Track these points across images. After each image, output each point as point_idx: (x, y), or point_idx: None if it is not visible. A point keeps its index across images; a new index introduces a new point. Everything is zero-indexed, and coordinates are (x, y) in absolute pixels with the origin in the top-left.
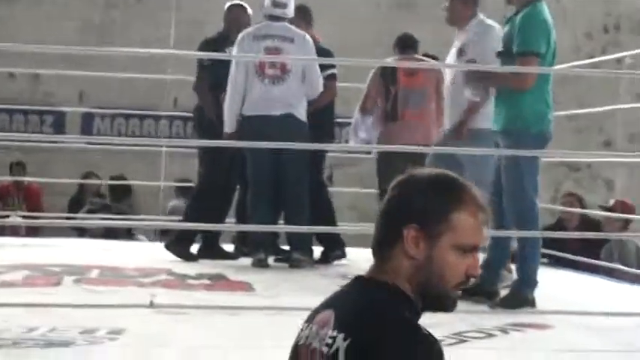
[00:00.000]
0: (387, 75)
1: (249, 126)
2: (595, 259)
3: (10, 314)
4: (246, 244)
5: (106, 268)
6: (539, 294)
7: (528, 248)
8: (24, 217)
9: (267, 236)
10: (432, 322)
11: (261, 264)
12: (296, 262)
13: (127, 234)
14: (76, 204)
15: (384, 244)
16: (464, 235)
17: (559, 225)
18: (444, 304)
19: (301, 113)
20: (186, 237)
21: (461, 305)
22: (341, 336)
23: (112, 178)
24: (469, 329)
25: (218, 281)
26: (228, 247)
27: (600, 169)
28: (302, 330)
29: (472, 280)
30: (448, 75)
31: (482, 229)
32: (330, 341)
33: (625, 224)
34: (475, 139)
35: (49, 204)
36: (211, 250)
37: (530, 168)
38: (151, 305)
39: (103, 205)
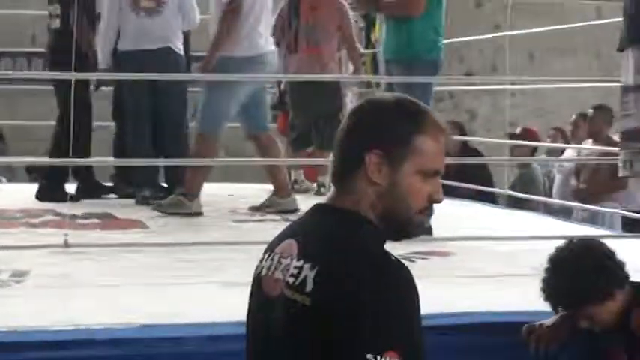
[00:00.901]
0: (292, 8)
1: (126, 61)
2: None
3: None
4: (127, 182)
5: None
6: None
7: None
8: None
9: (150, 173)
10: None
11: (145, 201)
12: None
13: None
14: None
15: (344, 172)
16: (427, 159)
17: None
18: (408, 230)
19: (178, 46)
20: (56, 180)
21: None
22: (307, 265)
23: None
24: None
25: (108, 220)
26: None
27: (463, 99)
28: (262, 260)
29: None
30: None
31: (443, 154)
32: (295, 271)
33: (532, 151)
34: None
35: None
36: (90, 187)
37: (424, 96)
38: (66, 245)
39: None
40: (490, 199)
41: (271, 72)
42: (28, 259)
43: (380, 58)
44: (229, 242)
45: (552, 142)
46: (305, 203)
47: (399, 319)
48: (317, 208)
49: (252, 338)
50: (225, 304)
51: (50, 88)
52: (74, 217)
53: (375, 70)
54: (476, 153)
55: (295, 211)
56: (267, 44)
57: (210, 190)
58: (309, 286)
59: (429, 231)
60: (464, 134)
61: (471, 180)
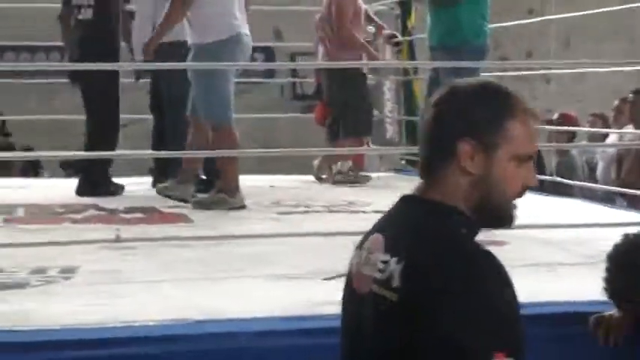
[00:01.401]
0: None
1: (167, 52)
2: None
3: None
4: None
5: (29, 205)
6: None
7: None
8: None
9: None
10: None
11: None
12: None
13: (33, 171)
14: None
15: (434, 162)
16: (521, 144)
17: None
18: (503, 218)
19: None
20: (97, 174)
21: None
22: (394, 260)
23: None
24: None
25: (151, 214)
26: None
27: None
28: (353, 257)
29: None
30: None
31: (535, 137)
32: (381, 266)
33: (571, 137)
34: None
35: None
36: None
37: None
38: (118, 240)
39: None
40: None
41: (246, 54)
42: (76, 255)
43: (415, 46)
44: (276, 235)
45: (591, 127)
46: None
47: (498, 313)
48: (404, 199)
49: (345, 335)
50: (275, 298)
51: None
52: (116, 211)
53: (412, 57)
54: None
55: (241, 207)
56: (242, 26)
57: (249, 182)
58: (395, 282)
59: None
60: None
61: None
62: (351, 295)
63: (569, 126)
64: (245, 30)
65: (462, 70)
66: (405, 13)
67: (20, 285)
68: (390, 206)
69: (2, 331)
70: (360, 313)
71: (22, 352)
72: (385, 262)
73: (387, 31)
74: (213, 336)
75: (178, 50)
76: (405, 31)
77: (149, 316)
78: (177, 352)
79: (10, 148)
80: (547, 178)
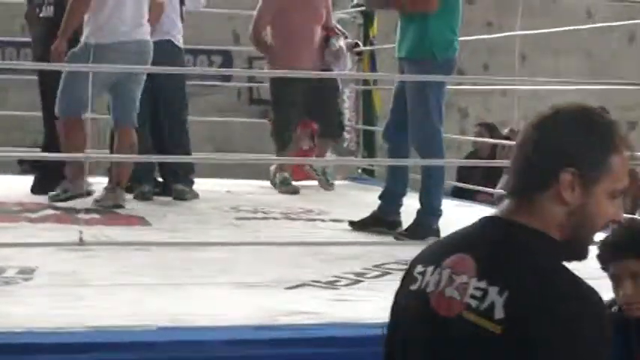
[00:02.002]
0: None
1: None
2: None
3: None
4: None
5: None
6: (442, 224)
7: (432, 177)
8: None
9: (148, 168)
10: (345, 254)
11: (145, 196)
12: (181, 194)
13: None
14: None
15: (531, 187)
16: (619, 180)
17: (475, 155)
18: (582, 252)
19: (178, 38)
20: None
21: (365, 237)
22: (494, 289)
23: None
24: (388, 261)
25: (108, 215)
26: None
27: (455, 98)
28: (423, 274)
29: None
30: None
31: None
32: (478, 294)
33: None
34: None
35: None
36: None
37: (436, 96)
38: (81, 242)
39: None
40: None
41: (140, 62)
42: (33, 255)
43: (376, 55)
44: (257, 243)
45: None
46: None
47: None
48: (492, 221)
49: (405, 351)
50: (240, 305)
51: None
52: (73, 211)
53: (372, 67)
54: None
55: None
56: (133, 32)
57: (205, 186)
58: (498, 314)
59: (437, 233)
60: (493, 137)
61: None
62: (423, 314)
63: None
64: (139, 36)
65: (427, 83)
66: (368, 22)
67: None
68: (471, 225)
69: None
70: (437, 335)
71: None
72: (482, 290)
73: (349, 40)
74: (180, 343)
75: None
76: (367, 40)
77: (113, 320)
78: (142, 358)
79: None
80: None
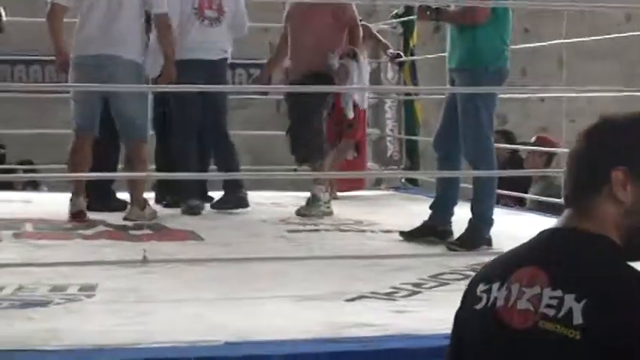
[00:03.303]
0: None
1: (184, 70)
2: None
3: None
4: (172, 192)
5: (36, 220)
6: (494, 233)
7: (484, 186)
8: None
9: (199, 182)
10: (400, 265)
11: (194, 211)
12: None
13: (30, 185)
14: None
15: (586, 191)
16: None
17: None
18: None
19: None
20: (104, 189)
21: (417, 247)
22: (570, 296)
23: None
24: (443, 271)
25: (160, 231)
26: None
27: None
28: (488, 291)
29: None
30: None
31: None
32: (554, 302)
33: (548, 160)
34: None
35: None
36: (105, 199)
37: (487, 105)
38: (144, 260)
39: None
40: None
41: (92, 77)
42: (92, 272)
43: (418, 65)
44: (318, 257)
45: None
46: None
47: None
48: (554, 232)
49: None
50: (303, 319)
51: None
52: (125, 227)
53: (414, 76)
54: (520, 163)
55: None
56: (89, 47)
57: (250, 198)
58: (577, 319)
59: (489, 242)
60: (512, 143)
61: (516, 187)
62: (492, 330)
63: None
64: (93, 52)
65: (478, 94)
66: (408, 32)
67: (43, 303)
68: (534, 238)
69: (33, 351)
70: (511, 349)
71: None
72: (557, 299)
73: (391, 51)
74: (248, 358)
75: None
76: (407, 49)
77: (179, 336)
78: None
79: (2, 160)
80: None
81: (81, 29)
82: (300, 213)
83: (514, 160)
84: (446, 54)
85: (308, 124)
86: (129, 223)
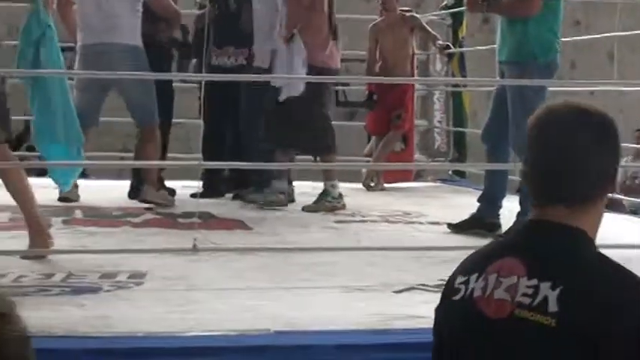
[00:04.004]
0: None
1: None
2: None
3: (20, 260)
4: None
5: (84, 207)
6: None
7: None
8: None
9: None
10: (449, 257)
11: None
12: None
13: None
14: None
15: (584, 192)
16: None
17: None
18: None
19: None
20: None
21: (465, 240)
22: (546, 285)
23: None
24: None
25: (208, 220)
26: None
27: None
28: (466, 282)
29: None
30: None
31: None
32: (529, 291)
33: None
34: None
35: None
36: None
37: (537, 98)
38: (195, 249)
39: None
40: None
41: (93, 66)
42: (141, 259)
43: (466, 57)
44: (367, 248)
45: (637, 143)
46: None
47: None
48: (537, 225)
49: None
50: (352, 309)
51: None
52: (173, 215)
53: (462, 68)
54: None
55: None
56: (87, 36)
57: (296, 189)
58: (552, 307)
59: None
60: None
61: None
62: (471, 321)
63: None
64: (90, 40)
65: (527, 87)
66: (457, 23)
67: (93, 290)
68: (515, 231)
69: (85, 337)
70: (489, 339)
71: (105, 357)
72: (533, 287)
73: (440, 42)
74: (297, 348)
75: None
76: (456, 41)
77: (229, 324)
78: None
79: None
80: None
81: (79, 18)
82: (306, 209)
83: None
84: (495, 46)
85: (312, 116)
86: (177, 212)
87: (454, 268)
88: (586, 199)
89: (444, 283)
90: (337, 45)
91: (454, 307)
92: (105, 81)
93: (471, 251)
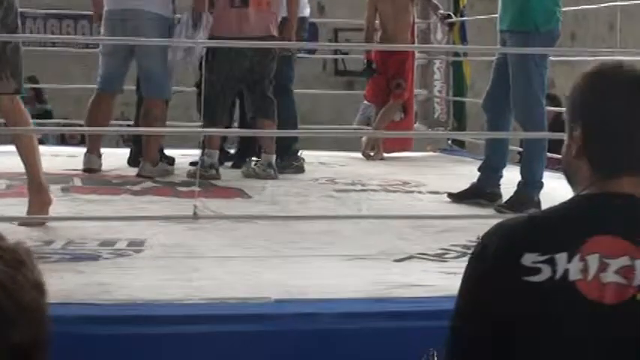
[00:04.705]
0: None
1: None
2: None
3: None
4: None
5: (83, 176)
6: (543, 195)
7: (534, 148)
8: None
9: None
10: (449, 226)
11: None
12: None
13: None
14: None
15: None
16: None
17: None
18: None
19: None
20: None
21: (465, 209)
22: None
23: None
24: None
25: (208, 188)
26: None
27: None
28: (550, 262)
29: None
30: None
31: None
32: None
33: None
34: None
35: None
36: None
37: (539, 67)
38: (195, 216)
39: (45, 110)
40: None
41: (118, 30)
42: (141, 228)
43: (467, 26)
44: (367, 216)
45: None
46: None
47: None
48: (615, 199)
49: (562, 348)
50: (352, 278)
51: None
52: (172, 184)
53: (463, 37)
54: None
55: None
56: (115, 1)
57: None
58: None
59: (538, 205)
60: (558, 105)
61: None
62: (581, 307)
63: None
64: (112, 6)
65: (529, 55)
66: None
67: (92, 257)
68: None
69: (84, 304)
70: (611, 323)
71: (104, 325)
72: None
73: (441, 12)
74: (297, 316)
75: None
76: (457, 10)
77: (229, 292)
78: (258, 331)
79: (47, 115)
80: None
81: None
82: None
83: (560, 122)
84: (496, 15)
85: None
86: (176, 180)
87: (455, 237)
88: None
89: (445, 252)
90: None
91: (536, 290)
92: (130, 46)
93: (472, 221)
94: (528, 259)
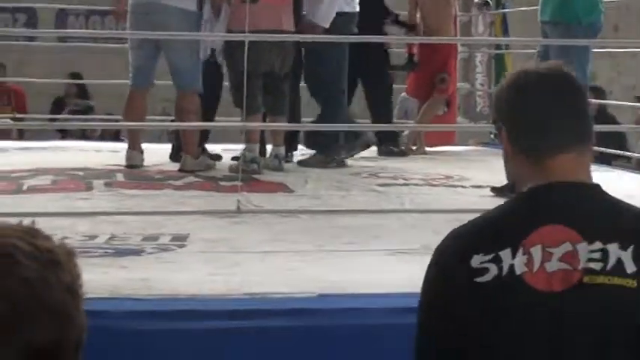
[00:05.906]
0: None
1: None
2: None
3: (63, 221)
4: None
5: (126, 171)
6: None
7: None
8: (14, 119)
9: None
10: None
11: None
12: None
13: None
14: (59, 105)
15: (586, 143)
16: None
17: None
18: None
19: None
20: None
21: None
22: (614, 246)
23: None
24: None
25: (250, 182)
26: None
27: None
28: (495, 260)
29: None
30: None
31: None
32: (596, 256)
33: None
34: None
35: (31, 106)
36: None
37: (581, 59)
38: (238, 211)
39: (87, 106)
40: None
41: (144, 24)
42: (184, 223)
43: (509, 18)
44: (411, 210)
45: None
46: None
47: None
48: (555, 187)
49: (519, 342)
50: (397, 272)
51: None
52: (215, 179)
53: (505, 30)
54: (612, 119)
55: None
56: None
57: None
58: (630, 267)
59: None
60: (601, 99)
61: (606, 144)
62: (529, 299)
63: None
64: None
65: (571, 48)
66: None
67: (135, 252)
68: (542, 195)
69: (128, 299)
70: (563, 310)
71: (147, 320)
72: (600, 251)
73: (477, 0)
74: (341, 311)
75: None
76: (499, 3)
77: (272, 287)
78: (301, 326)
79: (90, 111)
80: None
81: None
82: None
83: (603, 116)
84: (538, 7)
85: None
86: (218, 175)
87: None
88: (584, 152)
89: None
90: None
91: (486, 289)
92: (155, 41)
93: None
94: (476, 260)
